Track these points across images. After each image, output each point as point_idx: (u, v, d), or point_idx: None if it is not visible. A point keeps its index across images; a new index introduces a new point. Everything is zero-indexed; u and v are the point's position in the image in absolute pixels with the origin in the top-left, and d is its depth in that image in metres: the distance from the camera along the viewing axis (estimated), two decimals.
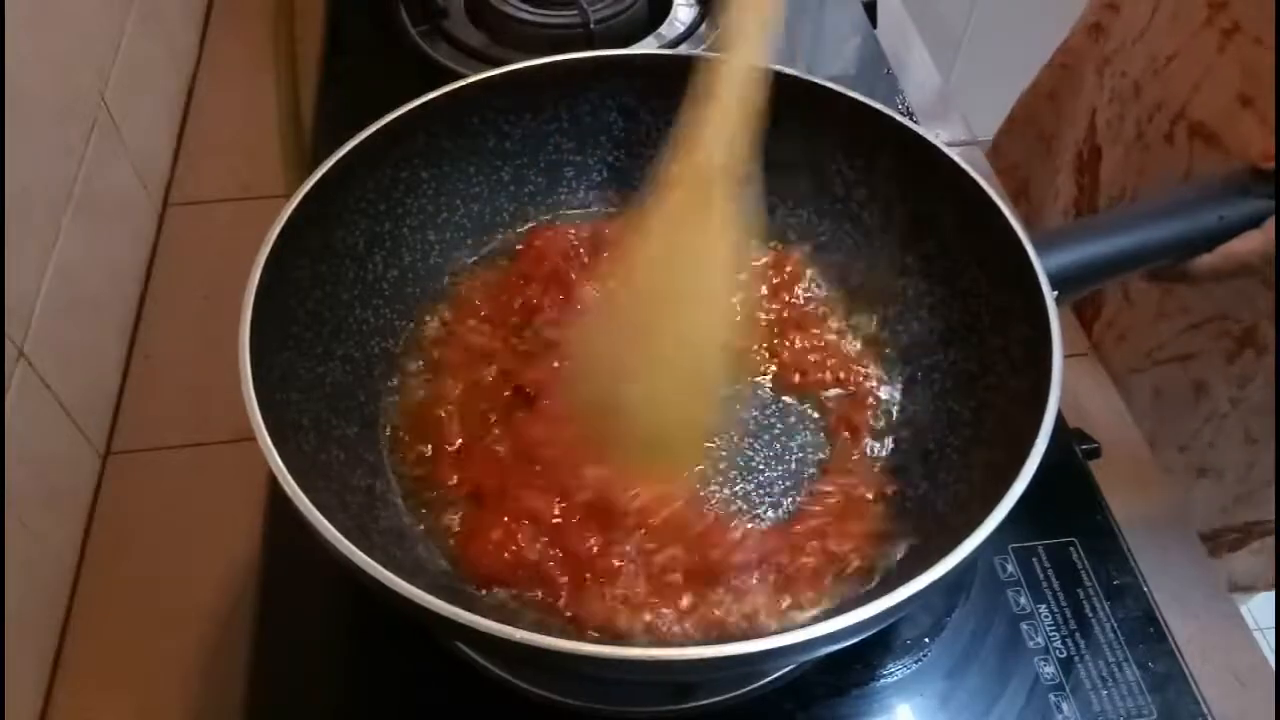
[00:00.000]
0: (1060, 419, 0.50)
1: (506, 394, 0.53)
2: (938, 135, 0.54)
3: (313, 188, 0.49)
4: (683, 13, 0.84)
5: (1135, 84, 0.72)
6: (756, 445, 0.53)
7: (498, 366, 0.54)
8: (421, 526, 0.48)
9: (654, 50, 0.79)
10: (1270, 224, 0.51)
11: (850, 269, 0.59)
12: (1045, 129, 0.89)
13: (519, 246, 0.60)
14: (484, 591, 0.46)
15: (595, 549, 0.46)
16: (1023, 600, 0.54)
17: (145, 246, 0.72)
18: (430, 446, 0.51)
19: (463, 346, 0.55)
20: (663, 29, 0.83)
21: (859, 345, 0.57)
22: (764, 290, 0.58)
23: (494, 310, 0.57)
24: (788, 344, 0.56)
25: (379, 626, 0.52)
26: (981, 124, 0.90)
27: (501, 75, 0.57)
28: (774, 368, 0.55)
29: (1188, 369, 0.73)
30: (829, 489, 0.50)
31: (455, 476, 0.50)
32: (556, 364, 0.52)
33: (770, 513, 0.50)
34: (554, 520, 0.46)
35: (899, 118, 0.55)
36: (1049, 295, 0.46)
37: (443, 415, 0.52)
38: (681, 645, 0.43)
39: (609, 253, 0.57)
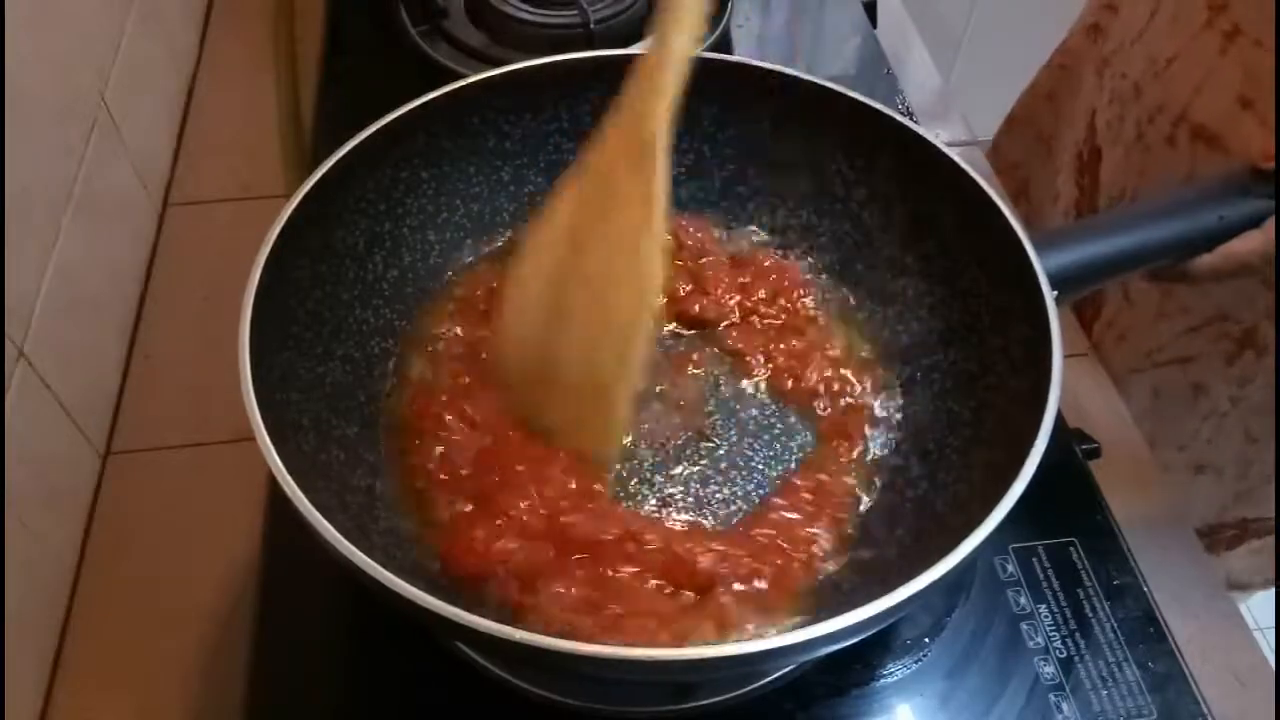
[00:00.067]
0: (1060, 419, 0.50)
1: None
2: (938, 135, 0.54)
3: (313, 188, 0.50)
4: None
5: (1135, 85, 0.72)
6: (755, 446, 0.53)
7: None
8: (421, 527, 0.48)
9: None
10: (1270, 224, 0.51)
11: (850, 269, 0.59)
12: (1044, 130, 0.89)
13: None
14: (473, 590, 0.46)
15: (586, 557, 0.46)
16: (1023, 600, 0.54)
17: (145, 246, 0.72)
18: (430, 446, 0.51)
19: (463, 346, 0.55)
20: None
21: (858, 346, 0.57)
22: (763, 293, 0.58)
23: (494, 310, 0.57)
24: (786, 345, 0.56)
25: (379, 626, 0.52)
26: (981, 124, 0.90)
27: (501, 75, 0.57)
28: (771, 369, 0.56)
29: (1187, 371, 0.73)
30: (829, 489, 0.50)
31: (455, 477, 0.50)
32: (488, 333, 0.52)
33: (771, 514, 0.50)
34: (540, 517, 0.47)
35: (899, 118, 0.55)
36: (1049, 295, 0.47)
37: (443, 415, 0.52)
38: (681, 645, 0.43)
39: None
